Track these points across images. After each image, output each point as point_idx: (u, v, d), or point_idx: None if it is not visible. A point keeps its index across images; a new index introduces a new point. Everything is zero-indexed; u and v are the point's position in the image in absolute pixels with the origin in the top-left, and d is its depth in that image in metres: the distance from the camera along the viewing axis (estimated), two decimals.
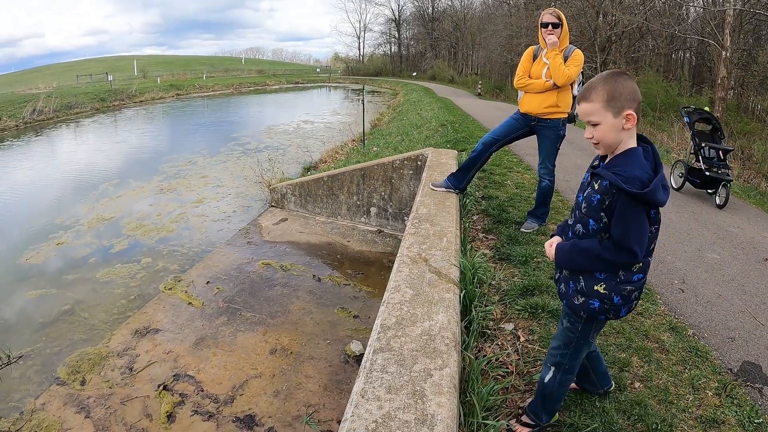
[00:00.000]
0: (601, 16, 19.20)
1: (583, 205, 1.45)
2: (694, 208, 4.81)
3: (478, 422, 1.67)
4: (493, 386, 1.87)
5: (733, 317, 2.67)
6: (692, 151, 5.38)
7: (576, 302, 1.51)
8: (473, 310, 2.35)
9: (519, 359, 2.18)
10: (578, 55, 3.31)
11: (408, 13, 53.75)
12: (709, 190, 5.12)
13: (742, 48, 15.33)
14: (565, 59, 3.30)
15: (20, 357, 3.78)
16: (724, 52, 13.11)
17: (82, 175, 10.09)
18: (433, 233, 2.88)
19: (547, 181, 3.62)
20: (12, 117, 17.97)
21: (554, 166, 3.62)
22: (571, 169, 6.06)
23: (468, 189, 4.11)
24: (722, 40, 13.16)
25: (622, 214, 1.33)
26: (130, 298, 4.72)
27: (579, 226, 1.48)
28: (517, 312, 2.56)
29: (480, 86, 27.21)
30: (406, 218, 5.93)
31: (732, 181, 5.02)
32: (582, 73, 3.50)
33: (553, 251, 1.55)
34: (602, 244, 1.40)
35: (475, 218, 4.03)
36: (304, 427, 3.00)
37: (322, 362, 3.65)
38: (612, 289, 1.45)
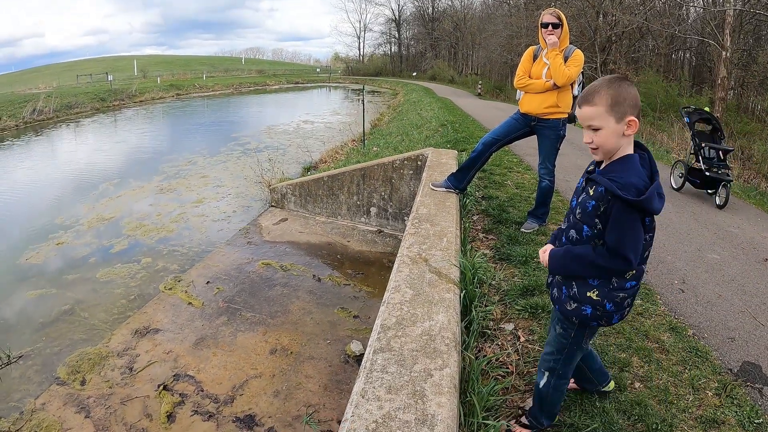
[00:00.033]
0: (601, 16, 19.21)
1: (578, 210, 1.44)
2: (694, 209, 4.81)
3: (478, 422, 1.67)
4: (494, 386, 1.87)
5: (733, 317, 2.67)
6: (692, 152, 5.39)
7: (568, 308, 1.51)
8: (473, 310, 2.35)
9: (519, 359, 2.18)
10: (578, 56, 3.31)
11: (408, 13, 53.83)
12: (709, 191, 5.12)
13: (742, 48, 15.33)
14: (566, 59, 3.30)
15: (20, 357, 3.78)
16: (724, 53, 13.11)
17: (82, 174, 10.09)
18: (433, 233, 2.88)
19: (547, 181, 3.62)
20: (12, 117, 17.97)
21: (554, 166, 3.62)
22: (571, 169, 6.06)
23: (468, 189, 4.11)
24: (722, 40, 13.16)
25: (617, 220, 1.32)
26: (130, 298, 4.72)
27: (573, 232, 1.46)
28: (517, 312, 2.56)
29: (480, 86, 27.21)
30: (406, 218, 5.93)
31: (732, 181, 5.02)
32: (582, 73, 3.50)
33: (547, 257, 1.55)
34: (596, 251, 1.39)
35: (475, 218, 4.03)
36: (304, 427, 3.00)
37: (322, 362, 3.65)
38: (605, 296, 1.44)
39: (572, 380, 1.98)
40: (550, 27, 3.27)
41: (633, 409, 1.87)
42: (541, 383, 1.66)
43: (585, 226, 1.41)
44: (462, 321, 2.20)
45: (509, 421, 1.80)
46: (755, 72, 14.49)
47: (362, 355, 3.60)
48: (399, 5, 54.23)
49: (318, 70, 59.14)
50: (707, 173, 5.00)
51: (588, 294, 1.45)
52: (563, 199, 4.72)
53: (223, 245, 5.98)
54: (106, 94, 24.39)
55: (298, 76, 49.61)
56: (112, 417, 3.12)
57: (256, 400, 3.24)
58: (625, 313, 1.50)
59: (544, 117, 3.44)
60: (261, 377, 3.47)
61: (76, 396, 3.32)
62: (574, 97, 3.46)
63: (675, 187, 5.54)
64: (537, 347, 2.26)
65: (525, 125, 3.57)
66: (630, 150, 1.38)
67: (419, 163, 5.68)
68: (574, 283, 1.49)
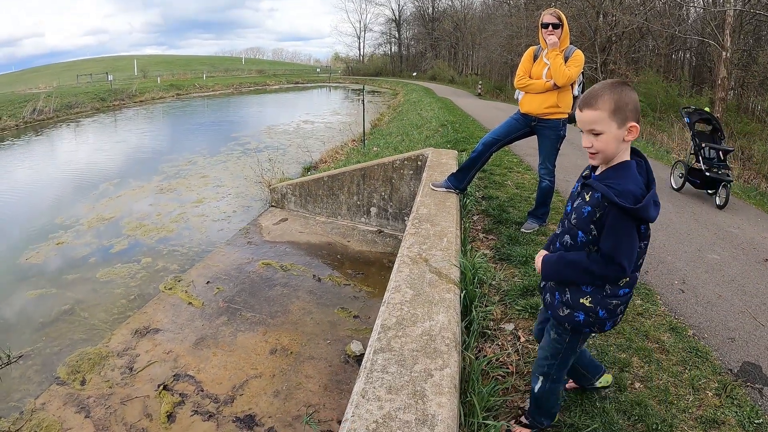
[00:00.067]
0: (601, 16, 19.21)
1: (573, 215, 1.43)
2: (694, 209, 4.81)
3: (478, 422, 1.67)
4: (494, 386, 1.87)
5: (733, 318, 2.67)
6: (692, 152, 5.39)
7: (561, 313, 1.50)
8: (473, 310, 2.35)
9: (519, 359, 2.18)
10: (579, 56, 3.31)
11: (408, 13, 53.85)
12: (709, 191, 5.12)
13: (742, 48, 15.34)
14: (566, 59, 3.30)
15: (20, 357, 3.78)
16: (724, 53, 13.12)
17: (82, 174, 10.09)
18: (433, 233, 2.88)
19: (547, 182, 3.62)
20: (12, 116, 17.97)
21: (554, 166, 3.62)
22: (572, 170, 6.06)
23: (468, 189, 4.11)
24: (722, 40, 13.17)
25: (612, 227, 1.31)
26: (130, 298, 4.72)
27: (567, 237, 1.45)
28: (517, 312, 2.56)
29: (480, 86, 27.22)
30: (406, 218, 5.93)
31: (732, 181, 5.02)
32: (582, 73, 3.50)
33: (540, 263, 1.54)
34: (590, 257, 1.38)
35: (475, 218, 4.03)
36: (304, 427, 3.00)
37: (322, 362, 3.65)
38: (598, 303, 1.43)
39: (570, 380, 1.98)
40: (550, 27, 3.27)
41: (633, 409, 1.87)
42: (536, 388, 1.66)
43: (580, 232, 1.40)
44: (462, 321, 2.20)
45: (509, 421, 1.80)
46: (755, 72, 14.50)
47: (362, 355, 3.60)
48: (399, 5, 54.32)
49: (318, 70, 59.16)
50: (707, 173, 5.00)
51: (581, 300, 1.45)
52: (563, 200, 4.72)
53: (223, 245, 5.98)
54: (107, 94, 24.39)
55: (298, 76, 49.62)
56: (112, 417, 3.12)
57: (256, 400, 3.24)
58: (618, 320, 1.50)
59: (545, 117, 3.44)
60: (261, 377, 3.47)
61: (76, 396, 3.32)
62: (575, 98, 3.45)
63: (675, 187, 5.54)
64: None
65: (525, 125, 3.57)
66: (627, 156, 1.37)
67: (419, 163, 5.68)
68: (567, 289, 1.48)
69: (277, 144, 13.16)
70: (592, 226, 1.36)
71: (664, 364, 2.17)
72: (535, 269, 3.02)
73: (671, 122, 12.53)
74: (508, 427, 1.77)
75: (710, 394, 2.00)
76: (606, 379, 1.93)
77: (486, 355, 2.18)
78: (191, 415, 3.12)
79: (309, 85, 42.73)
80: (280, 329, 4.09)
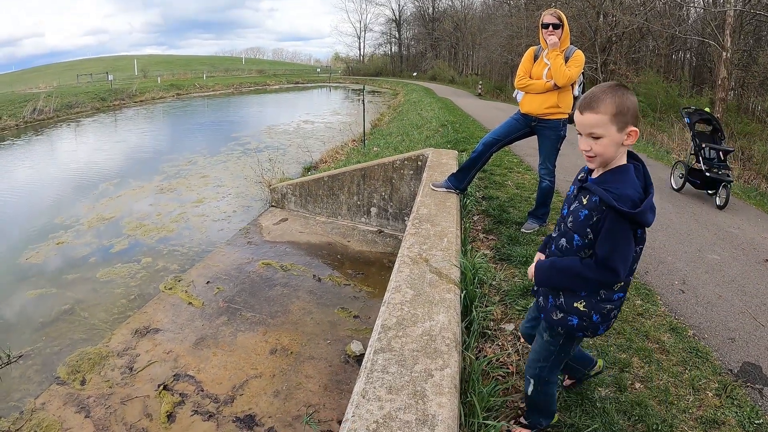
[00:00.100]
0: (601, 16, 19.21)
1: (569, 219, 1.42)
2: (694, 209, 4.81)
3: (479, 423, 1.67)
4: (494, 387, 1.87)
5: (734, 318, 2.67)
6: (692, 152, 5.39)
7: (554, 317, 1.49)
8: (474, 310, 2.35)
9: (519, 359, 2.18)
10: (579, 56, 3.31)
11: (408, 13, 53.87)
12: (709, 191, 5.13)
13: (742, 49, 15.34)
14: (566, 60, 3.30)
15: (20, 356, 3.78)
16: (724, 53, 13.12)
17: (82, 174, 10.09)
18: (433, 233, 2.88)
19: (547, 182, 3.63)
20: (12, 116, 17.97)
21: (555, 166, 3.62)
22: (572, 170, 6.06)
23: (468, 189, 4.11)
24: (723, 40, 13.17)
25: (610, 231, 1.30)
26: (130, 297, 4.72)
27: (563, 241, 1.45)
28: (517, 312, 2.56)
29: (480, 86, 27.22)
30: (406, 218, 5.93)
31: (732, 181, 5.02)
32: (582, 73, 3.50)
33: (533, 270, 1.53)
34: (583, 263, 1.37)
35: (475, 218, 4.03)
36: (304, 427, 3.00)
37: (323, 362, 3.65)
38: (592, 308, 1.42)
39: (566, 376, 1.98)
40: (550, 27, 3.27)
41: (633, 409, 1.87)
42: (529, 391, 1.66)
43: (576, 235, 1.39)
44: (462, 321, 2.20)
45: (509, 421, 1.80)
46: (755, 73, 14.50)
47: (362, 355, 3.60)
48: (399, 5, 54.33)
49: (318, 70, 59.16)
50: (707, 174, 5.00)
51: (575, 305, 1.44)
52: (563, 200, 4.71)
53: (223, 245, 5.98)
54: (107, 94, 24.39)
55: (298, 76, 49.63)
56: (112, 417, 3.12)
57: (256, 400, 3.24)
58: (610, 324, 1.49)
59: (545, 117, 3.44)
60: (261, 377, 3.47)
61: (76, 396, 3.32)
62: (575, 98, 3.46)
63: (675, 187, 5.54)
64: None
65: (525, 125, 3.57)
66: (624, 160, 1.36)
67: (419, 163, 5.68)
68: (561, 292, 1.47)
69: (278, 144, 13.16)
70: (588, 230, 1.35)
71: (664, 365, 2.17)
72: None
73: (671, 122, 12.54)
74: (508, 427, 1.77)
75: (710, 394, 2.00)
76: (598, 366, 1.93)
77: (486, 356, 2.18)
78: (191, 415, 3.12)
79: (309, 85, 42.74)
80: (280, 329, 4.09)
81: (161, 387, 3.36)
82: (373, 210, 6.32)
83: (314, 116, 19.73)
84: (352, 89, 35.87)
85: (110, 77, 29.38)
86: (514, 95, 3.71)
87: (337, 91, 36.37)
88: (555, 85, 3.32)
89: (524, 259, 3.17)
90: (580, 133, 1.37)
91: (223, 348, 3.83)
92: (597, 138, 1.31)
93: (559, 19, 3.26)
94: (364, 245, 5.97)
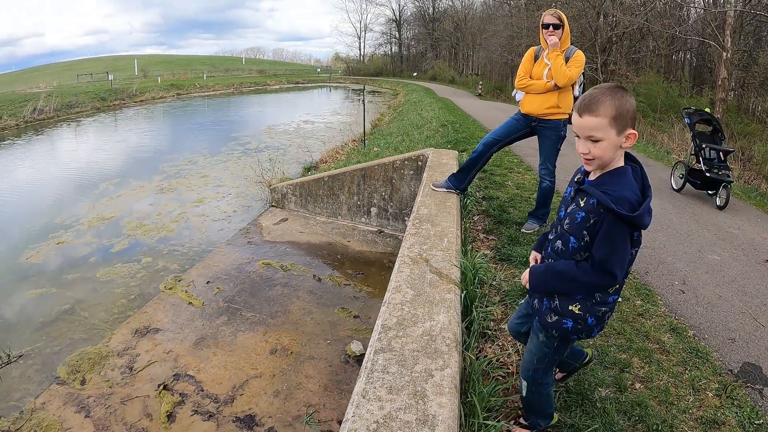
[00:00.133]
0: (601, 16, 19.21)
1: (566, 221, 1.40)
2: (694, 209, 4.81)
3: (479, 423, 1.67)
4: (494, 387, 1.87)
5: (734, 318, 2.67)
6: (693, 152, 5.39)
7: (549, 320, 1.48)
8: (474, 310, 2.35)
9: (520, 360, 2.18)
10: (579, 56, 3.31)
11: (409, 14, 53.92)
12: (709, 191, 5.13)
13: (742, 49, 15.34)
14: (566, 60, 3.30)
15: (20, 356, 3.78)
16: (724, 54, 13.12)
17: (82, 174, 10.08)
18: (434, 234, 2.88)
19: (547, 182, 3.63)
20: (12, 116, 17.97)
21: (555, 166, 3.62)
22: (572, 170, 6.02)
23: (469, 189, 4.11)
24: (723, 41, 13.17)
25: (608, 234, 1.28)
26: (130, 297, 4.72)
27: (559, 243, 1.43)
28: None
29: (480, 87, 27.23)
30: (406, 218, 5.93)
31: (732, 182, 5.02)
32: (583, 74, 3.50)
33: (527, 276, 1.52)
34: (579, 266, 1.36)
35: (475, 219, 4.03)
36: (304, 427, 3.00)
37: (323, 362, 3.65)
38: (587, 310, 1.42)
39: (557, 370, 1.97)
40: (551, 28, 3.27)
41: (633, 409, 1.87)
42: (524, 392, 1.66)
43: (572, 238, 1.37)
44: (463, 321, 2.20)
45: (509, 421, 1.80)
46: (756, 73, 14.50)
47: (362, 355, 3.61)
48: (399, 5, 54.39)
49: (318, 70, 59.19)
50: (708, 174, 5.00)
51: (570, 307, 1.43)
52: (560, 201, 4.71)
53: (223, 245, 5.98)
54: (107, 94, 24.39)
55: (298, 76, 49.63)
56: (112, 416, 3.12)
57: (256, 400, 3.24)
58: (604, 326, 1.49)
59: (545, 118, 3.44)
60: (261, 377, 3.47)
61: (76, 395, 3.32)
62: (575, 98, 3.46)
63: (675, 188, 5.54)
64: None
65: (526, 126, 3.57)
66: (622, 162, 1.35)
67: (420, 163, 5.68)
68: (556, 295, 1.46)
69: (278, 144, 13.16)
70: (585, 233, 1.34)
71: (664, 365, 2.17)
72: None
73: (672, 123, 12.54)
74: (508, 427, 1.77)
75: (710, 394, 2.00)
76: (588, 354, 1.93)
77: (486, 356, 2.18)
78: (191, 415, 3.11)
79: (309, 85, 42.74)
80: (280, 329, 4.09)
81: (161, 387, 3.36)
82: (374, 210, 6.32)
83: (314, 116, 19.73)
84: (353, 89, 35.87)
85: (110, 77, 29.39)
86: (513, 95, 3.71)
87: (337, 91, 36.37)
88: (555, 85, 3.32)
89: (524, 259, 3.17)
90: (577, 135, 1.35)
91: (223, 348, 3.83)
92: (596, 141, 1.30)
93: (560, 19, 3.26)
94: (365, 245, 5.97)
